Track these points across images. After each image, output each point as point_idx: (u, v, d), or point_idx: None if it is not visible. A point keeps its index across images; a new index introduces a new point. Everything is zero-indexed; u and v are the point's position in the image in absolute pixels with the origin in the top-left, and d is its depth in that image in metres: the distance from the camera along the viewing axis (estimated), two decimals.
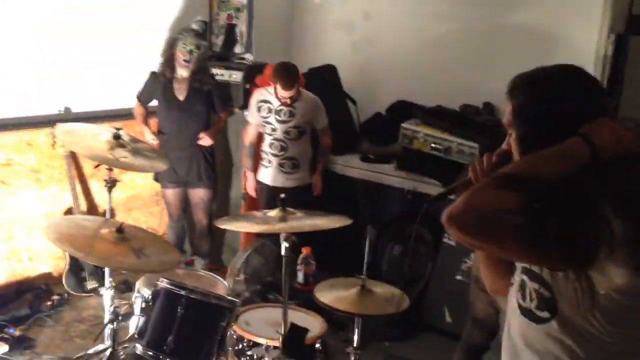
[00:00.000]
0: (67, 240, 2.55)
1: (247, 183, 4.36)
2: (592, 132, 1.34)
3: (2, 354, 3.48)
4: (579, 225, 1.30)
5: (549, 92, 1.43)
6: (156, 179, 4.37)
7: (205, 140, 4.20)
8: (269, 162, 4.19)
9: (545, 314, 1.38)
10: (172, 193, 4.33)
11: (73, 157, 4.27)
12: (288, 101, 3.99)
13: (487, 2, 4.51)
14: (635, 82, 4.05)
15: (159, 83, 4.17)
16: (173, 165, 4.02)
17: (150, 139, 4.11)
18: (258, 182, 4.28)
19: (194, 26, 4.50)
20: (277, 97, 3.99)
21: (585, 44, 3.97)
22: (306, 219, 2.40)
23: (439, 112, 4.41)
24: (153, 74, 4.20)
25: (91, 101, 4.37)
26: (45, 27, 4.06)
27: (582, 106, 1.40)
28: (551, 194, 1.33)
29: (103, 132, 3.07)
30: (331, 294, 2.50)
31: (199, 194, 4.32)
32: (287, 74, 3.94)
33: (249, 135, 4.25)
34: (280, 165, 4.16)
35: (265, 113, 4.09)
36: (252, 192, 4.34)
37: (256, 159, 4.31)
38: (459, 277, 4.02)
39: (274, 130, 4.10)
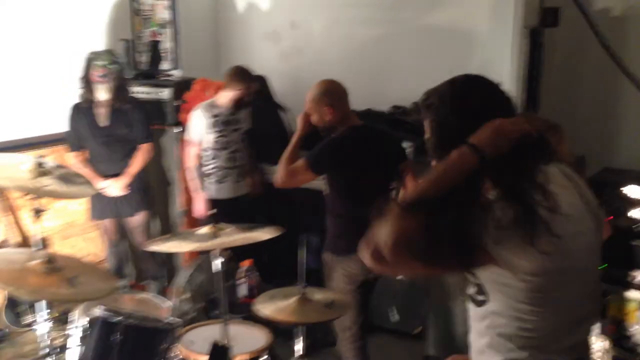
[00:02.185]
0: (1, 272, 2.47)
1: (196, 206, 4.27)
2: (477, 139, 1.45)
3: None
4: (468, 225, 1.40)
5: (458, 105, 1.55)
6: (92, 216, 4.27)
7: (112, 188, 4.07)
8: (224, 177, 4.19)
9: (481, 297, 1.52)
10: (108, 222, 4.26)
11: (2, 188, 4.12)
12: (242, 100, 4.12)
13: (408, 5, 4.63)
14: (553, 73, 4.23)
15: (82, 114, 4.06)
16: (105, 194, 3.94)
17: (104, 185, 4.00)
18: (211, 201, 4.20)
19: (109, 46, 4.43)
20: (229, 103, 4.10)
21: (501, 39, 4.12)
22: (237, 233, 2.40)
23: (369, 115, 4.48)
24: (73, 107, 4.08)
25: (12, 130, 4.21)
26: None
27: (489, 114, 1.50)
28: (442, 205, 1.43)
29: (25, 161, 2.97)
30: (272, 305, 2.50)
31: (135, 219, 4.25)
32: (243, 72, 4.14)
33: (193, 157, 4.20)
34: (239, 175, 4.21)
35: (220, 127, 4.11)
36: (202, 213, 4.23)
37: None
38: (401, 276, 4.09)
39: (228, 142, 4.10)
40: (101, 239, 4.51)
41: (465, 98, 1.56)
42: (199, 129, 4.13)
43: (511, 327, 1.49)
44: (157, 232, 4.56)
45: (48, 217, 3.15)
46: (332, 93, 3.08)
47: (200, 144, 4.16)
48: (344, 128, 3.07)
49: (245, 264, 3.68)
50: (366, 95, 4.67)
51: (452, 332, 3.50)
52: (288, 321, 2.45)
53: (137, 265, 4.65)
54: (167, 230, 4.73)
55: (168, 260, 4.66)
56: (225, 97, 4.13)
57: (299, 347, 2.58)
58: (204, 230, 2.40)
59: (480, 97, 1.57)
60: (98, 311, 2.52)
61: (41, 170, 2.92)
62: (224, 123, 4.14)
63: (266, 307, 2.52)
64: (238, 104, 4.15)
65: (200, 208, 4.24)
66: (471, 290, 1.54)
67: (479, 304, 1.53)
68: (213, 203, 4.10)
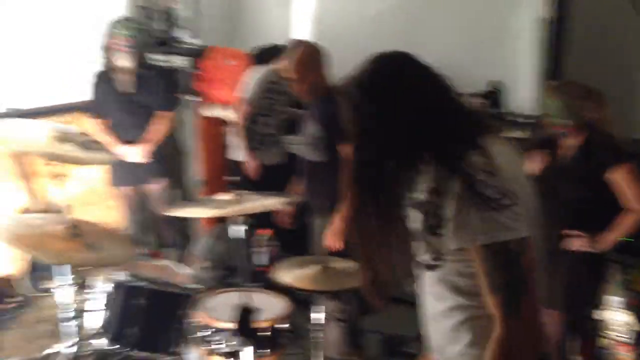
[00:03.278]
0: (19, 240, 2.51)
1: (249, 165, 4.24)
2: None
3: None
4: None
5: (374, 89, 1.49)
6: (112, 183, 4.30)
7: (133, 155, 4.07)
8: (269, 143, 4.25)
9: (437, 262, 1.48)
10: (127, 189, 4.28)
11: (22, 155, 4.16)
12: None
13: None
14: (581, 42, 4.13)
15: (105, 81, 4.07)
16: (125, 161, 3.96)
17: (124, 151, 4.00)
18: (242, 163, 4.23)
19: (127, 12, 4.40)
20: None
21: (526, 6, 4.02)
22: (258, 199, 2.40)
23: None
24: (97, 75, 4.09)
25: (35, 98, 4.25)
26: None
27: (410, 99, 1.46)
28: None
29: (47, 127, 2.98)
30: (292, 273, 2.51)
31: (154, 188, 4.27)
32: None
33: (243, 116, 4.18)
34: (260, 142, 4.23)
35: (273, 95, 4.16)
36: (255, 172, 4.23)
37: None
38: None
39: (277, 111, 4.19)
40: (121, 207, 4.55)
41: (381, 81, 1.48)
42: (254, 91, 4.10)
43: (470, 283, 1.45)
44: (175, 201, 4.58)
45: (69, 184, 3.15)
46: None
47: (251, 105, 4.11)
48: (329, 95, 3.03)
49: (266, 232, 3.68)
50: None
51: None
52: (308, 289, 2.45)
53: (156, 234, 4.69)
54: (185, 199, 4.75)
55: (186, 229, 4.69)
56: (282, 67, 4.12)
57: (318, 315, 2.59)
58: (225, 196, 2.40)
59: (399, 79, 1.48)
60: (121, 276, 2.54)
61: (63, 137, 2.93)
62: (278, 92, 4.13)
63: (287, 275, 2.52)
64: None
65: (252, 167, 4.23)
66: (426, 257, 1.50)
67: (434, 267, 1.49)
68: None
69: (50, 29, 4.26)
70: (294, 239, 3.88)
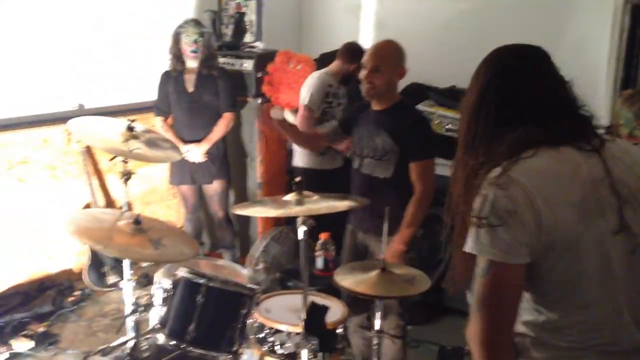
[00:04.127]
0: (85, 233, 2.55)
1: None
2: None
3: (27, 350, 3.51)
4: None
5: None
6: (171, 181, 4.37)
7: (193, 154, 4.11)
8: (327, 149, 4.20)
9: None
10: (186, 188, 4.34)
11: (89, 152, 4.29)
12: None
13: None
14: None
15: (170, 80, 4.16)
16: (184, 161, 4.03)
17: (185, 149, 4.05)
18: (304, 170, 4.18)
19: (195, 16, 4.49)
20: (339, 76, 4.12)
21: (600, 15, 3.89)
22: (323, 201, 2.37)
23: (453, 93, 4.35)
24: (163, 74, 4.20)
25: (105, 97, 4.38)
26: (57, 25, 4.08)
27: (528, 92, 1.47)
28: None
29: (117, 125, 3.06)
30: (351, 278, 2.47)
31: (213, 187, 4.31)
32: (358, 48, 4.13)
33: (306, 123, 4.10)
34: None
35: (331, 99, 4.16)
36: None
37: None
38: None
39: (333, 116, 4.16)
40: (179, 206, 4.62)
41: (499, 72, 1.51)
42: (316, 96, 4.09)
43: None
44: (233, 202, 4.62)
45: (132, 182, 3.22)
46: (404, 54, 2.94)
47: (310, 109, 4.09)
48: (399, 99, 2.94)
49: (323, 236, 3.66)
50: (450, 73, 4.53)
51: None
52: (367, 294, 2.40)
53: (212, 234, 4.74)
54: (243, 202, 4.77)
55: (243, 231, 4.72)
56: (337, 69, 4.13)
57: (375, 321, 2.54)
58: (288, 197, 2.39)
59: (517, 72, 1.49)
60: (181, 273, 2.56)
61: (131, 134, 3.00)
62: (334, 95, 4.15)
63: (346, 280, 2.48)
64: (346, 80, 4.15)
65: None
66: None
67: None
68: (309, 173, 4.10)
69: (122, 33, 4.39)
70: None
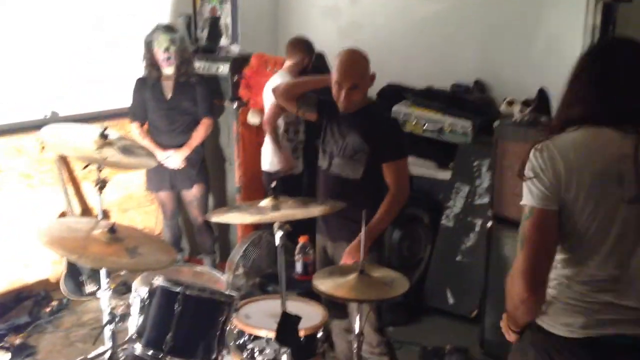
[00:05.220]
0: (59, 243, 2.51)
1: (282, 161, 4.13)
2: None
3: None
4: None
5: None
6: (148, 188, 4.33)
7: (172, 160, 4.09)
8: (300, 151, 4.24)
9: None
10: (165, 195, 4.30)
11: (63, 160, 4.23)
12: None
13: None
14: None
15: (146, 86, 4.12)
16: (162, 166, 3.99)
17: (163, 157, 4.02)
18: (269, 174, 4.16)
19: (170, 20, 4.46)
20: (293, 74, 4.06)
21: (574, 13, 3.93)
22: (299, 206, 2.36)
23: (430, 93, 4.37)
24: (138, 81, 4.16)
25: (78, 104, 4.33)
26: (30, 32, 4.02)
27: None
28: None
29: (90, 132, 3.02)
30: (330, 282, 2.46)
31: (192, 193, 4.28)
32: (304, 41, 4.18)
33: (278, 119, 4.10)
34: (294, 150, 4.20)
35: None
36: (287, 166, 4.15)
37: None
38: (459, 258, 4.00)
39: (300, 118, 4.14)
40: (158, 212, 4.58)
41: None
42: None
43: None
44: (212, 207, 4.59)
45: (108, 189, 3.18)
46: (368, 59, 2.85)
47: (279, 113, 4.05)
48: (371, 104, 2.92)
49: (302, 240, 3.65)
50: (426, 73, 4.57)
51: None
52: (346, 298, 2.40)
53: (192, 240, 4.70)
54: (222, 206, 4.75)
55: (223, 236, 4.70)
56: (294, 67, 4.10)
57: (355, 325, 2.53)
58: (264, 202, 2.37)
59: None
60: (158, 281, 2.53)
61: (105, 142, 2.97)
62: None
63: (324, 283, 2.47)
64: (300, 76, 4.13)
65: (285, 163, 4.13)
66: None
67: None
68: (274, 177, 4.01)
69: (95, 37, 4.34)
70: None
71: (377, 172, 2.80)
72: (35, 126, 3.93)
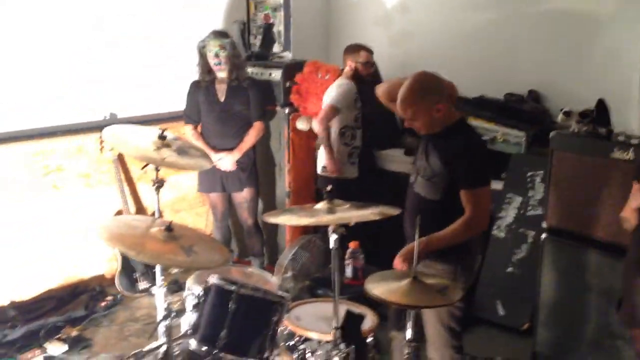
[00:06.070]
0: (119, 239, 2.59)
1: (333, 165, 4.20)
2: None
3: (61, 354, 3.57)
4: None
5: None
6: (200, 189, 4.42)
7: (224, 162, 4.16)
8: (356, 156, 4.30)
9: None
10: (216, 196, 4.38)
11: (121, 160, 4.37)
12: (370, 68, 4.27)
13: None
14: None
15: (200, 89, 4.22)
16: (214, 169, 4.07)
17: (215, 159, 4.06)
18: (325, 178, 4.22)
19: (224, 27, 4.56)
20: (359, 72, 4.21)
21: (631, 23, 3.84)
22: (354, 210, 2.38)
23: (482, 102, 4.34)
24: (193, 84, 4.26)
25: (137, 106, 4.47)
26: (93, 35, 4.18)
27: None
28: None
29: (149, 133, 3.11)
30: (382, 286, 2.46)
31: (243, 195, 4.35)
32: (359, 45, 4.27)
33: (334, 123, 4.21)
34: (349, 155, 4.24)
35: (360, 104, 4.23)
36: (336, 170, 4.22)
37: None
38: (510, 270, 3.94)
39: (360, 122, 4.24)
40: (208, 214, 4.66)
41: None
42: (342, 100, 4.14)
43: None
44: (261, 211, 4.65)
45: (162, 190, 3.27)
46: (437, 86, 2.72)
47: (338, 110, 4.14)
48: (454, 122, 2.75)
49: (352, 245, 3.66)
50: (479, 82, 4.53)
51: (569, 331, 3.33)
52: (400, 304, 2.39)
53: (241, 242, 4.77)
54: (272, 210, 4.80)
55: (271, 239, 4.75)
56: (351, 75, 4.20)
57: (407, 331, 2.53)
58: (319, 205, 2.40)
59: None
60: (213, 279, 2.59)
61: (163, 143, 3.04)
62: (365, 104, 4.20)
63: (377, 288, 2.47)
64: (359, 81, 4.21)
65: (332, 166, 4.19)
66: None
67: None
68: (341, 183, 4.05)
69: (153, 44, 4.48)
70: (379, 252, 3.84)
71: (458, 195, 2.68)
72: (96, 127, 4.11)
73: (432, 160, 2.74)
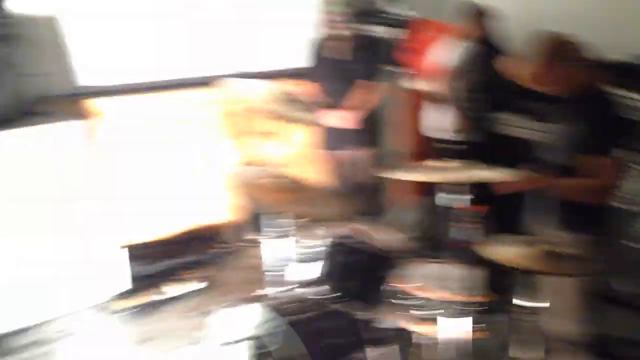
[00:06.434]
0: (246, 188, 2.72)
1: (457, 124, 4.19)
2: None
3: (180, 294, 3.81)
4: None
5: None
6: (320, 146, 4.49)
7: (342, 120, 4.16)
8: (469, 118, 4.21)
9: None
10: (334, 154, 4.44)
11: (243, 114, 4.51)
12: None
13: None
14: None
15: (321, 48, 4.25)
16: (333, 127, 4.10)
17: (335, 117, 4.13)
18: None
19: None
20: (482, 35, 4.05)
21: None
22: (470, 170, 2.32)
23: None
24: (315, 42, 4.29)
25: (260, 63, 4.59)
26: None
27: None
28: None
29: (273, 87, 3.19)
30: (506, 250, 2.40)
31: (358, 154, 4.38)
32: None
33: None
34: (466, 116, 4.18)
35: (480, 67, 4.13)
36: None
37: None
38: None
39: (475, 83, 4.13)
40: (327, 171, 4.73)
41: None
42: (470, 63, 4.09)
43: None
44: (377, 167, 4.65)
45: (281, 145, 3.35)
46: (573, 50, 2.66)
47: (460, 76, 4.09)
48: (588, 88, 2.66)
49: (477, 209, 3.59)
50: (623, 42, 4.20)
51: None
52: (527, 269, 2.31)
53: (356, 199, 4.80)
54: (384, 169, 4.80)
55: (379, 198, 4.75)
56: (461, 34, 4.06)
57: (516, 298, 2.47)
58: (433, 164, 2.38)
59: None
60: (332, 233, 2.65)
61: (287, 97, 3.11)
62: (487, 66, 4.08)
63: (498, 251, 2.43)
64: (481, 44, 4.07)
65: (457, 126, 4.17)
66: None
67: None
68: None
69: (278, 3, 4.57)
70: (508, 217, 3.75)
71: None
72: (221, 81, 4.24)
73: (566, 126, 2.64)
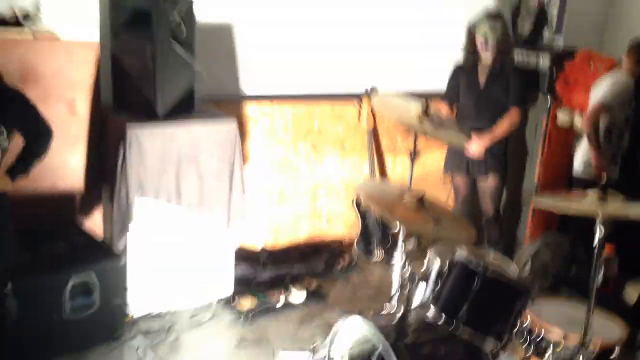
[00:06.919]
0: (374, 199, 2.73)
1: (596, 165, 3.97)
2: None
3: (301, 300, 3.89)
4: None
5: None
6: (445, 169, 4.43)
7: (474, 147, 4.05)
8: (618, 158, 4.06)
9: None
10: (460, 179, 4.35)
11: (374, 132, 4.55)
12: None
13: None
14: None
15: (462, 72, 4.21)
16: (462, 151, 4.03)
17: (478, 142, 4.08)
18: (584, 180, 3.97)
19: (496, 6, 4.42)
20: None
21: None
22: (631, 204, 2.17)
23: None
24: (456, 67, 4.26)
25: (396, 83, 4.59)
26: (362, 14, 4.40)
27: None
28: None
29: (413, 104, 3.18)
30: None
31: (487, 182, 4.25)
32: None
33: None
34: (613, 155, 4.01)
35: (632, 104, 3.97)
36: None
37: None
38: None
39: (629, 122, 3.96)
40: (450, 195, 4.64)
41: None
42: (622, 100, 3.90)
43: None
44: (505, 201, 4.49)
45: (407, 165, 3.32)
46: None
47: (606, 114, 3.88)
48: None
49: (607, 248, 3.37)
50: None
51: None
52: None
53: (478, 230, 4.67)
54: (516, 201, 4.63)
55: (510, 230, 4.58)
56: (628, 69, 3.87)
57: None
58: (589, 196, 2.24)
59: None
60: (460, 256, 2.57)
61: (426, 114, 3.09)
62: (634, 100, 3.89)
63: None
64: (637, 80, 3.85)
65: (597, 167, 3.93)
66: None
67: None
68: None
69: (414, 18, 4.57)
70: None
71: None
72: (356, 97, 4.33)
73: None
